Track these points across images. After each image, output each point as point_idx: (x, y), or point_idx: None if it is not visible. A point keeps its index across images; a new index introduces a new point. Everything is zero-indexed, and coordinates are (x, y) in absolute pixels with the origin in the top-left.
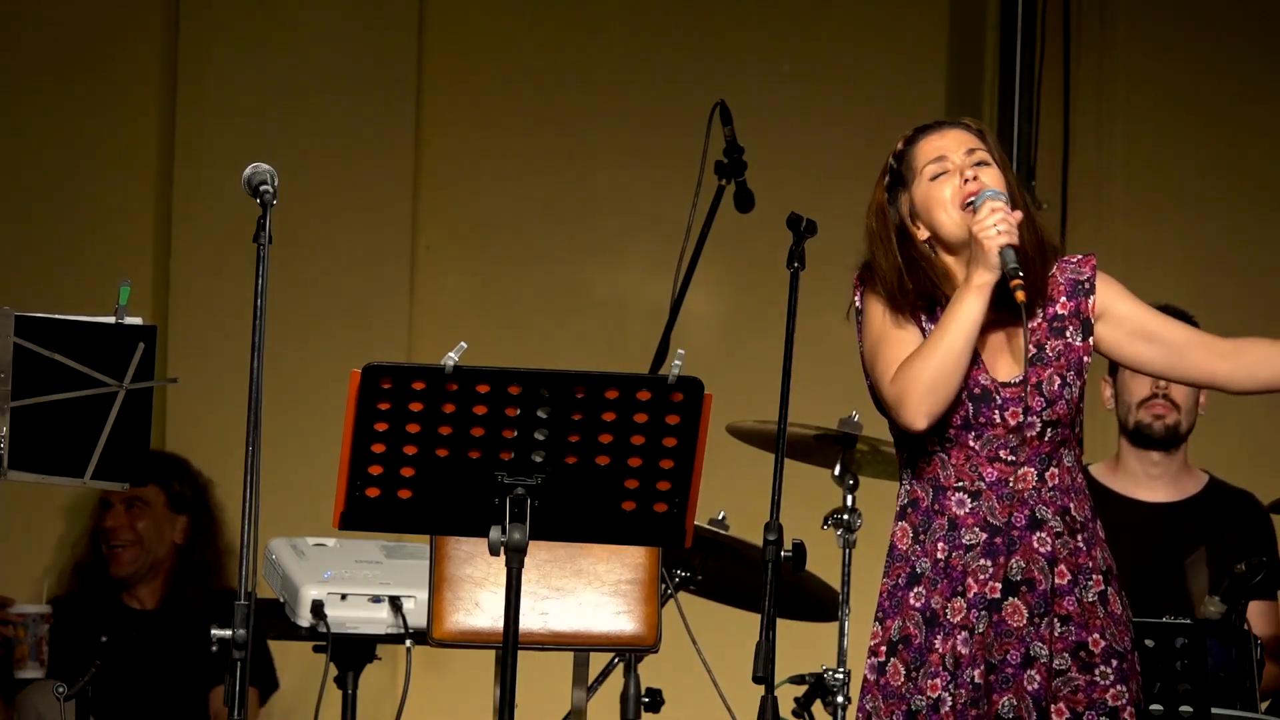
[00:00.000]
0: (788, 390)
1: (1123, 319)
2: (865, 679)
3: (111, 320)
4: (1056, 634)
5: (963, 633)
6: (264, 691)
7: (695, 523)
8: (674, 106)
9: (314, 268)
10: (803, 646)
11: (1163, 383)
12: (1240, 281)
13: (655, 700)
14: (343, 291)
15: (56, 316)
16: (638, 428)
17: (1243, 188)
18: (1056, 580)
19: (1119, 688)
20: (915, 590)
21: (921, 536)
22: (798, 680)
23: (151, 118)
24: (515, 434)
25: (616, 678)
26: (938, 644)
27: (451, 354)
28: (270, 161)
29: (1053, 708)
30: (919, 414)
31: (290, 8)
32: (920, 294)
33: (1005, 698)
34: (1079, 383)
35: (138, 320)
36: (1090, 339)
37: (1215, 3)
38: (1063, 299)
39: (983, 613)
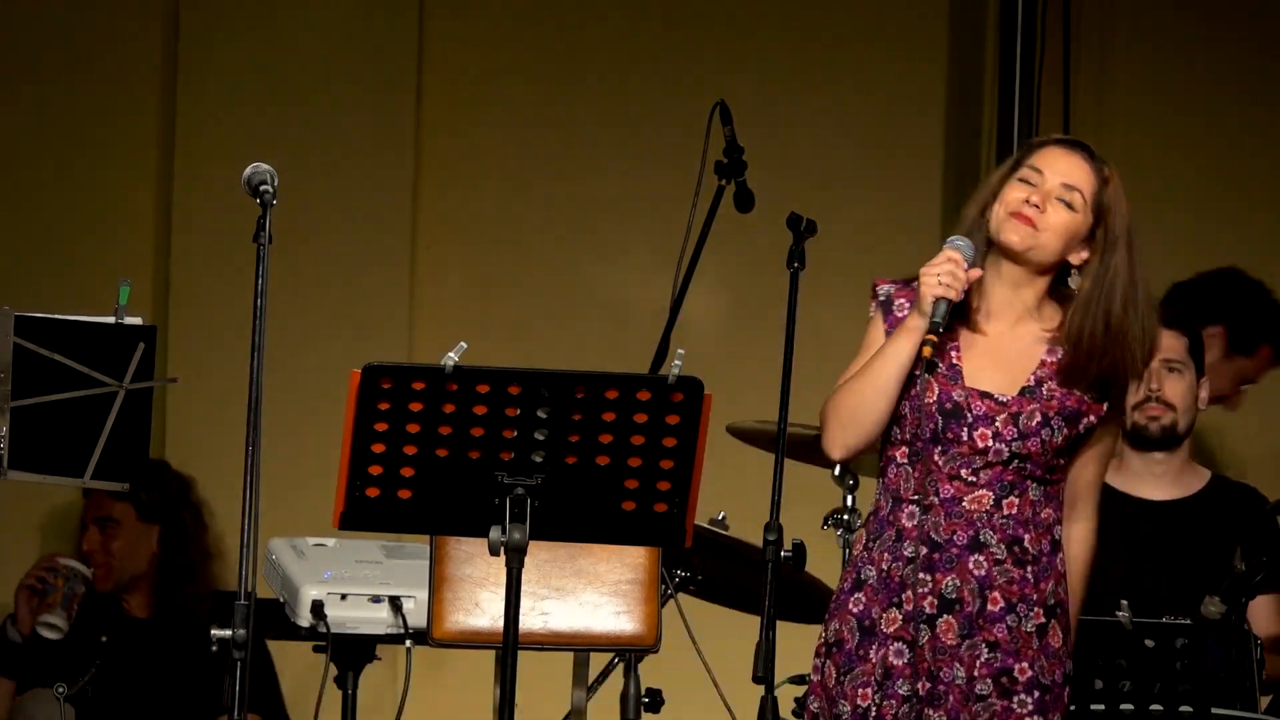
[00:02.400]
0: (788, 390)
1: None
2: (810, 679)
3: (111, 320)
4: (983, 659)
5: (896, 644)
6: None
7: (695, 523)
8: (674, 106)
9: (314, 267)
10: (803, 646)
11: (1155, 385)
12: None
13: (655, 700)
14: (343, 291)
15: (56, 316)
16: (638, 428)
17: (1243, 189)
18: (989, 606)
19: (1036, 718)
20: (855, 596)
21: (871, 545)
22: (798, 680)
23: (151, 118)
24: (515, 434)
25: (616, 678)
26: (871, 653)
27: (451, 354)
28: (270, 161)
29: None
30: (834, 444)
31: (290, 7)
32: None
33: (938, 713)
34: (1066, 431)
35: (138, 320)
36: (1103, 404)
37: (1216, 3)
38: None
39: (923, 626)
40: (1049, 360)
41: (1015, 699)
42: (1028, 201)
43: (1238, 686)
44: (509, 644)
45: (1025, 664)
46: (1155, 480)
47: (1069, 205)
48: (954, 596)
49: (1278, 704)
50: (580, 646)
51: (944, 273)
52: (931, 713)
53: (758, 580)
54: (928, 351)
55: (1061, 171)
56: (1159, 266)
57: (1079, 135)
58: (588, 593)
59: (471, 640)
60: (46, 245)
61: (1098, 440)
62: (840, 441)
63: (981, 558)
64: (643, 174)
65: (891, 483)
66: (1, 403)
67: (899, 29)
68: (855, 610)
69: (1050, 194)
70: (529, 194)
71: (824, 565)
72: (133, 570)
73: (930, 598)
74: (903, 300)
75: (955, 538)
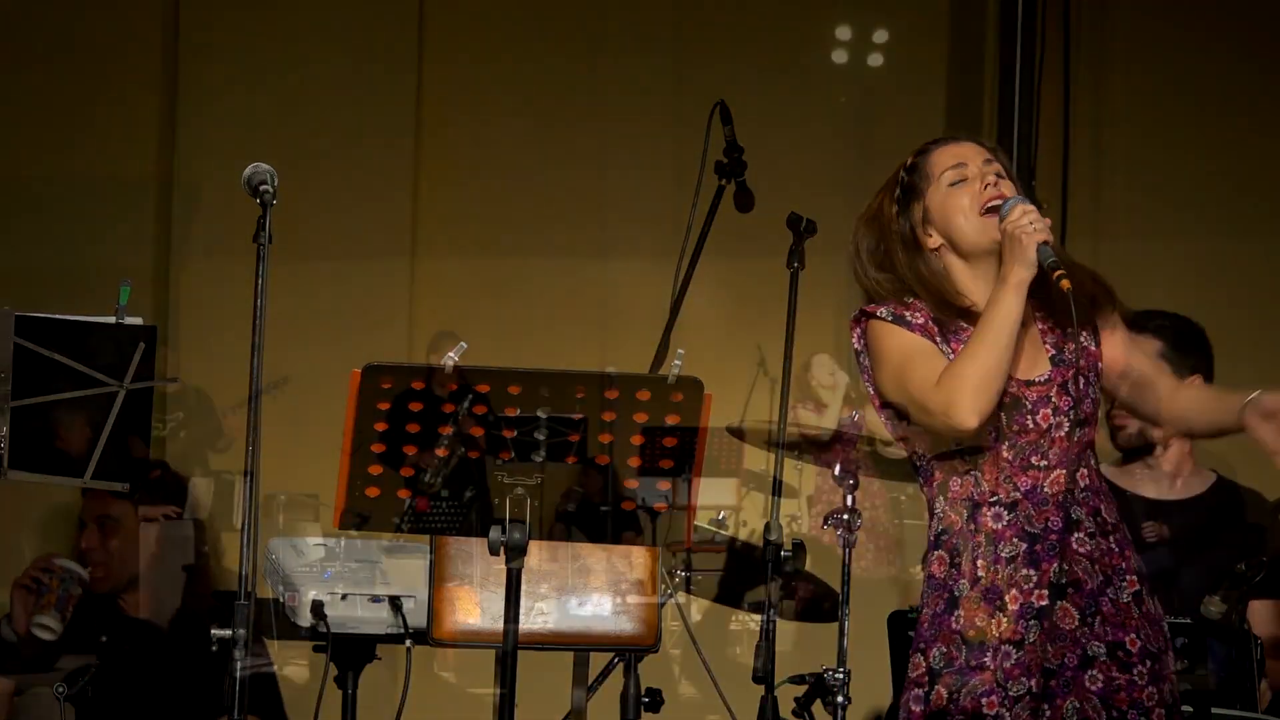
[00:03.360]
0: (788, 390)
1: (1116, 344)
2: (910, 710)
3: (111, 320)
4: (1096, 633)
5: (1005, 647)
6: None
7: (695, 523)
8: (674, 106)
9: (314, 267)
10: (803, 646)
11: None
12: (1238, 284)
13: (655, 700)
14: (343, 291)
15: (56, 316)
16: (637, 428)
17: (1240, 190)
18: (1094, 581)
19: (1150, 689)
20: (955, 614)
21: (958, 559)
22: (798, 680)
23: (152, 118)
24: (515, 434)
25: (616, 678)
26: (987, 660)
27: (451, 354)
28: (270, 162)
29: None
30: (971, 412)
31: (290, 9)
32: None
33: (1069, 701)
34: (1098, 383)
35: (138, 320)
36: (1099, 346)
37: (1214, 7)
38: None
39: (1032, 622)
40: (1044, 327)
41: (1135, 671)
42: (985, 189)
43: (1238, 686)
44: (509, 644)
45: (1133, 634)
46: (1155, 480)
47: (1000, 176)
48: (1065, 581)
49: (1278, 704)
50: (580, 646)
51: (1034, 219)
52: (1045, 706)
53: (758, 580)
54: (1066, 285)
55: (973, 156)
56: (1158, 267)
57: (1078, 135)
58: (588, 593)
59: (471, 640)
60: (46, 245)
61: (1118, 342)
62: (977, 408)
63: (1081, 534)
64: (643, 174)
65: (962, 493)
66: (1, 403)
67: (899, 30)
68: (958, 628)
69: (986, 175)
70: (529, 194)
71: (824, 565)
72: (131, 570)
73: (1038, 590)
74: (914, 311)
75: (1050, 524)
